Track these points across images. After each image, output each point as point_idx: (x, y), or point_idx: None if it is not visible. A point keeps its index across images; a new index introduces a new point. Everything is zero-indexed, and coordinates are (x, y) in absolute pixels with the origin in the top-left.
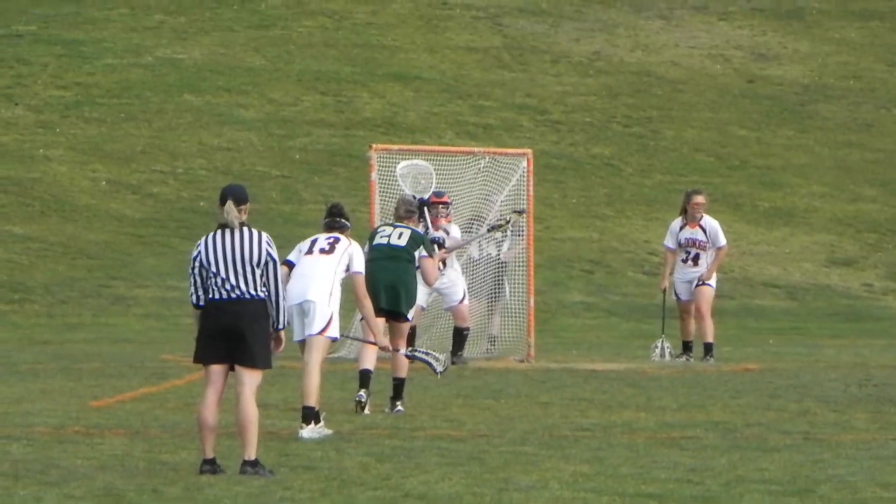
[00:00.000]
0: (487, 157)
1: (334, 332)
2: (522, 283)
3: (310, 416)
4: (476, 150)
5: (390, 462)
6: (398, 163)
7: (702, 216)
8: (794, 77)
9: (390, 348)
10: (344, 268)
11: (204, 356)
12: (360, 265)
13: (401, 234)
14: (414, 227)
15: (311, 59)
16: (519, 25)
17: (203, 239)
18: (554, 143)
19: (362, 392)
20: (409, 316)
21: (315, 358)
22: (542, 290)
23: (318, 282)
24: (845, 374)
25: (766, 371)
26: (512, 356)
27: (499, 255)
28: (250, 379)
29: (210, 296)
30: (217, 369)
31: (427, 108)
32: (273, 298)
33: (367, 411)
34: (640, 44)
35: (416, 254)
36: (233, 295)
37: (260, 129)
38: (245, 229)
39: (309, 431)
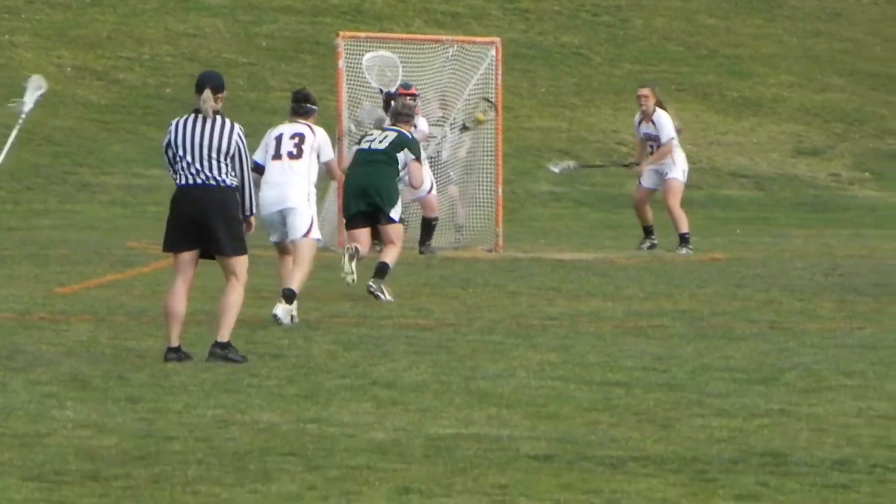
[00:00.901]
0: (456, 46)
1: (317, 233)
2: (491, 173)
3: (291, 296)
4: (444, 38)
5: (358, 350)
6: (365, 51)
7: (654, 110)
8: None
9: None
10: (316, 167)
11: (172, 244)
12: (328, 153)
13: (385, 138)
14: (403, 131)
15: None
16: None
17: (174, 122)
18: (523, 31)
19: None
20: (395, 216)
21: (305, 257)
22: (510, 180)
23: (294, 188)
24: (811, 264)
25: (733, 260)
26: (480, 246)
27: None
28: (233, 267)
29: (178, 181)
30: (185, 257)
31: None
32: (242, 185)
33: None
34: None
35: (401, 157)
36: (198, 180)
37: (226, 16)
38: (218, 118)
39: (283, 310)
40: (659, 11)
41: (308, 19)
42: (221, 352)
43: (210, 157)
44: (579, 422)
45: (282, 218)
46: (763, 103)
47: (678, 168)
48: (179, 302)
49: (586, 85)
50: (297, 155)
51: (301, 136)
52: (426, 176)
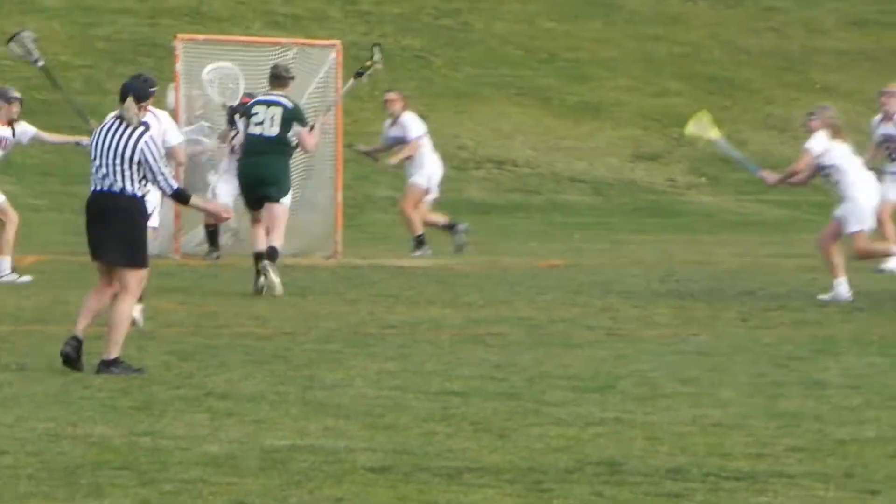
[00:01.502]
0: (296, 49)
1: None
2: (330, 178)
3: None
4: (284, 41)
5: (193, 360)
6: (204, 54)
7: (400, 113)
8: None
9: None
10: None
11: (89, 250)
12: (174, 138)
13: (273, 118)
14: (285, 99)
15: None
16: None
17: (97, 127)
18: (363, 34)
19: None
20: (284, 201)
21: None
22: (349, 185)
23: None
24: (648, 270)
25: (571, 267)
26: (319, 252)
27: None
28: (123, 278)
29: (90, 186)
30: (98, 264)
31: None
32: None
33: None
34: None
35: (290, 134)
36: (102, 186)
37: (63, 17)
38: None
39: (139, 313)
40: (499, 15)
41: (146, 21)
42: (107, 369)
43: (116, 163)
44: (416, 432)
45: None
46: (602, 107)
47: (422, 173)
48: (93, 298)
49: (426, 88)
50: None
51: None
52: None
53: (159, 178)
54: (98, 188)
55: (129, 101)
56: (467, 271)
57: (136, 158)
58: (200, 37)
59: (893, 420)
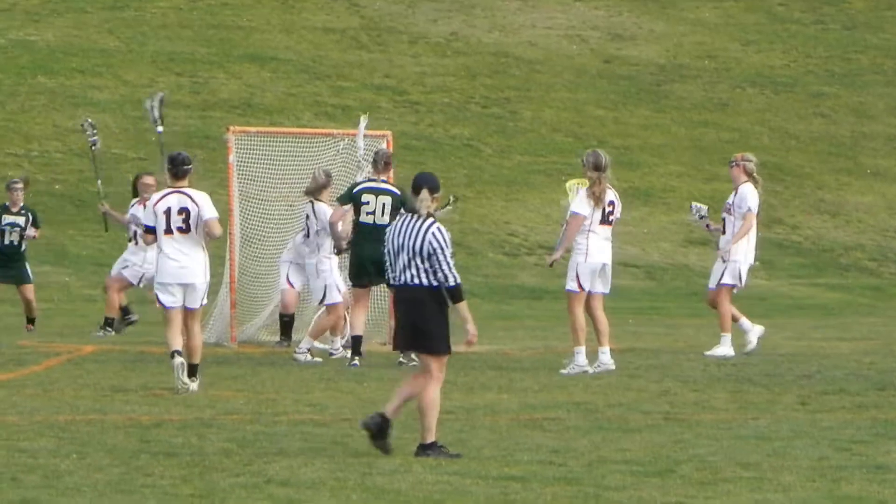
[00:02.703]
0: (347, 139)
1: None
2: None
3: (194, 370)
4: (335, 131)
5: (252, 447)
6: (255, 145)
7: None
8: (649, 57)
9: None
10: (202, 232)
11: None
12: (210, 212)
13: (384, 206)
14: (393, 189)
15: (165, 40)
16: (376, 6)
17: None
18: (413, 123)
19: (356, 360)
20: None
21: (198, 324)
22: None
23: (193, 262)
24: (701, 358)
25: (626, 351)
26: (374, 339)
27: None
28: (426, 365)
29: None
30: None
31: (285, 88)
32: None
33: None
34: (498, 24)
35: None
36: (401, 280)
37: (115, 111)
38: (427, 219)
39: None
40: (547, 103)
41: (198, 113)
42: (424, 452)
43: (409, 256)
44: None
45: (182, 288)
46: (653, 193)
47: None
48: (411, 384)
49: (477, 176)
50: (185, 230)
51: (187, 211)
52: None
53: (444, 267)
54: (397, 281)
55: (424, 192)
56: (522, 357)
57: (425, 250)
58: (252, 129)
59: None
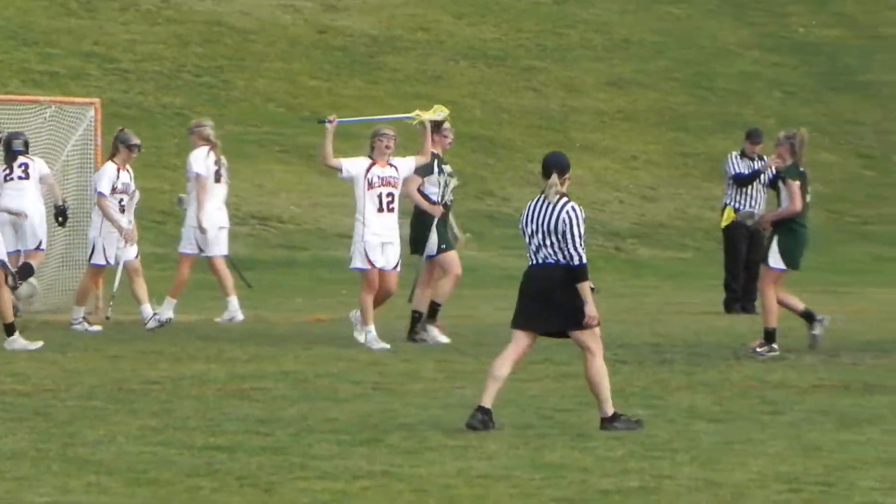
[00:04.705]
0: (53, 107)
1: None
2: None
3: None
4: (42, 98)
5: None
6: None
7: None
8: (363, 28)
9: None
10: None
11: (516, 319)
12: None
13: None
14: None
15: None
16: None
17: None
18: (123, 91)
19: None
20: (428, 254)
21: None
22: None
23: None
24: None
25: (338, 321)
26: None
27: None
28: (584, 341)
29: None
30: (520, 333)
31: None
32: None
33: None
34: None
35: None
36: (537, 260)
37: None
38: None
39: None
40: (260, 73)
41: None
42: (611, 425)
43: (545, 235)
44: (180, 487)
45: None
46: None
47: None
48: (500, 366)
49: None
50: None
51: None
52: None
53: (571, 246)
54: (534, 262)
55: (554, 177)
56: (231, 326)
57: (560, 228)
58: None
59: (654, 470)
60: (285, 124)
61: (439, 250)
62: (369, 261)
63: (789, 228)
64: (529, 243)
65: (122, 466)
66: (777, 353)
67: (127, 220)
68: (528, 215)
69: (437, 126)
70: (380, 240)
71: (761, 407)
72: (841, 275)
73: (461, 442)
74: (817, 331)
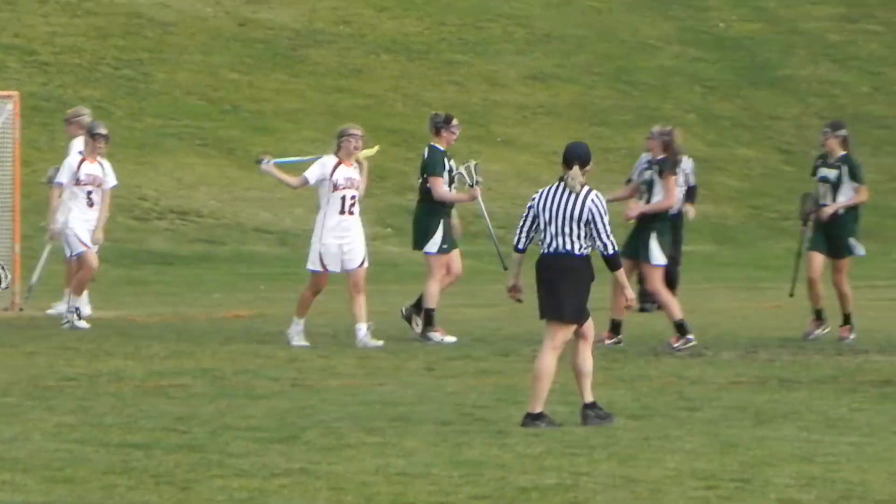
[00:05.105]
0: None
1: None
2: (8, 230)
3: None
4: None
5: None
6: None
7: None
8: (284, 21)
9: None
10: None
11: (541, 309)
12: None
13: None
14: (430, 146)
15: None
16: None
17: (540, 191)
18: (42, 84)
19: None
20: (427, 249)
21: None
22: (29, 236)
23: None
24: (333, 320)
25: (257, 317)
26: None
27: None
28: (584, 330)
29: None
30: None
31: None
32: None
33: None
34: None
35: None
36: (551, 248)
37: None
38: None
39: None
40: (181, 65)
41: None
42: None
43: (563, 224)
44: (96, 485)
45: None
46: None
47: None
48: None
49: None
50: None
51: None
52: None
53: (602, 234)
54: (547, 250)
55: (576, 169)
56: (149, 322)
57: (585, 216)
58: None
59: (573, 467)
60: (206, 117)
61: (440, 249)
62: (322, 264)
63: (666, 222)
64: (544, 231)
65: (38, 464)
66: (693, 342)
67: (95, 214)
68: (541, 203)
69: (447, 121)
70: (338, 241)
71: (679, 403)
72: (760, 270)
73: (379, 439)
74: (826, 329)
